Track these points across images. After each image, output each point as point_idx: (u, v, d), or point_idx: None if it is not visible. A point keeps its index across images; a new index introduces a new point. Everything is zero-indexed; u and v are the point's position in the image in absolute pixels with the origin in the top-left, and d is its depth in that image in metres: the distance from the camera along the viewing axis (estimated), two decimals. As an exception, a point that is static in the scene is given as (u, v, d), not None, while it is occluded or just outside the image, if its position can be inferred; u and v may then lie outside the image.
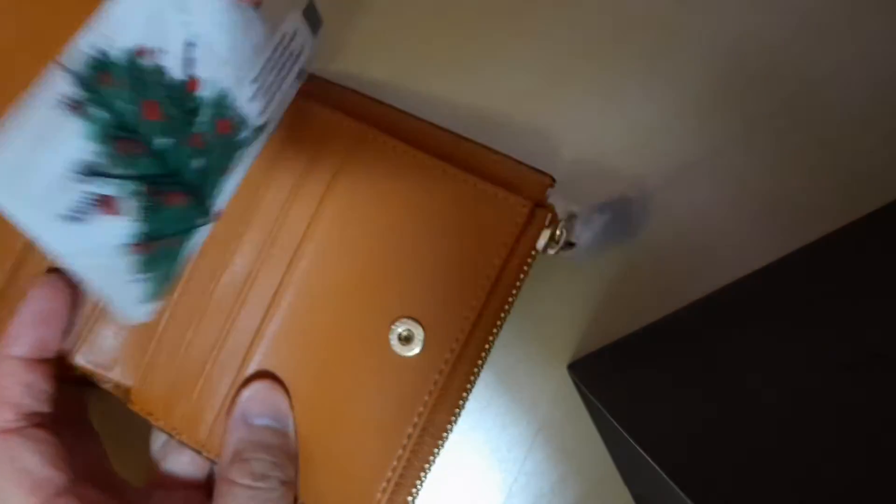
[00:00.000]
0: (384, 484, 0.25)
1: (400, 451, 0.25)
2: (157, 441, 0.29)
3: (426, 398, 0.26)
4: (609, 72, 0.32)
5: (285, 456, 0.25)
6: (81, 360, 0.27)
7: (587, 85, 0.32)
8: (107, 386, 0.27)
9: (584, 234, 0.30)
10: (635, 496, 0.31)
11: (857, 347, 0.22)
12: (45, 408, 0.25)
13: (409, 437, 0.25)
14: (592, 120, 0.31)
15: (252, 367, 0.26)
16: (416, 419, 0.25)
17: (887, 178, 0.31)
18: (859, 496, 0.17)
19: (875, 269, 0.26)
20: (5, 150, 0.18)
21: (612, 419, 0.26)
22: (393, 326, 0.26)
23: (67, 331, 0.26)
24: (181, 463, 0.28)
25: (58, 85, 0.18)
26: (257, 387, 0.26)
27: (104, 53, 0.19)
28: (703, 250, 0.31)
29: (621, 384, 0.29)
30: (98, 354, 0.27)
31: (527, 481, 0.32)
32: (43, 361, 0.25)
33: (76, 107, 0.19)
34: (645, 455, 0.23)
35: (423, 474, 0.26)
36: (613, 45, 0.32)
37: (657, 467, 0.21)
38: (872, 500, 0.17)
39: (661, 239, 0.31)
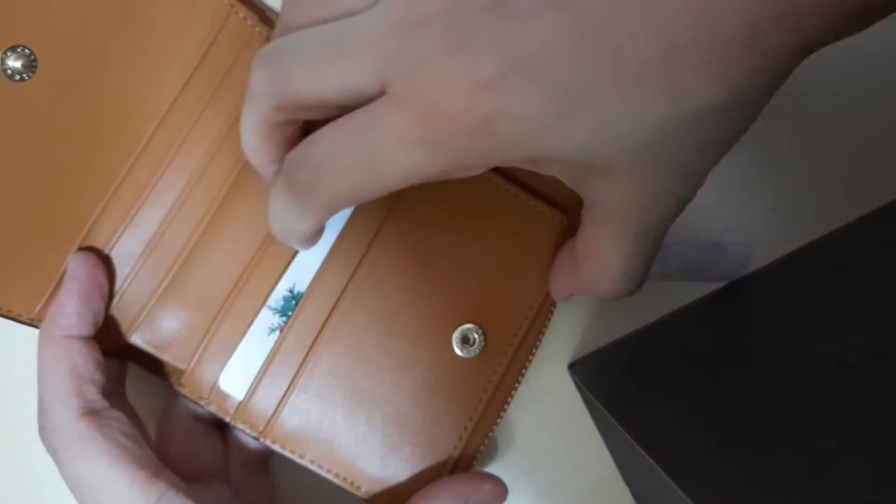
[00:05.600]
0: (443, 472, 0.28)
1: (456, 443, 0.28)
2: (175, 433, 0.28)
3: (482, 396, 0.28)
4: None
5: None
6: (138, 339, 0.27)
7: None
8: (151, 366, 0.28)
9: None
10: (635, 496, 0.31)
11: (857, 347, 0.22)
12: (107, 384, 0.25)
13: (466, 429, 0.28)
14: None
15: (314, 363, 0.27)
16: (472, 414, 0.28)
17: (887, 178, 0.31)
18: (860, 496, 0.17)
19: (875, 268, 0.26)
20: (236, 365, 0.27)
21: (612, 419, 0.26)
22: (458, 329, 0.28)
23: (108, 304, 0.27)
24: (202, 459, 0.28)
25: (268, 319, 0.27)
26: (496, 489, 0.27)
27: (297, 290, 0.27)
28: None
29: (621, 384, 0.29)
30: (155, 335, 0.27)
31: (527, 481, 0.32)
32: (92, 338, 0.25)
33: (284, 328, 0.27)
34: (645, 455, 0.23)
35: (471, 466, 0.28)
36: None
37: (657, 467, 0.22)
38: (873, 500, 0.17)
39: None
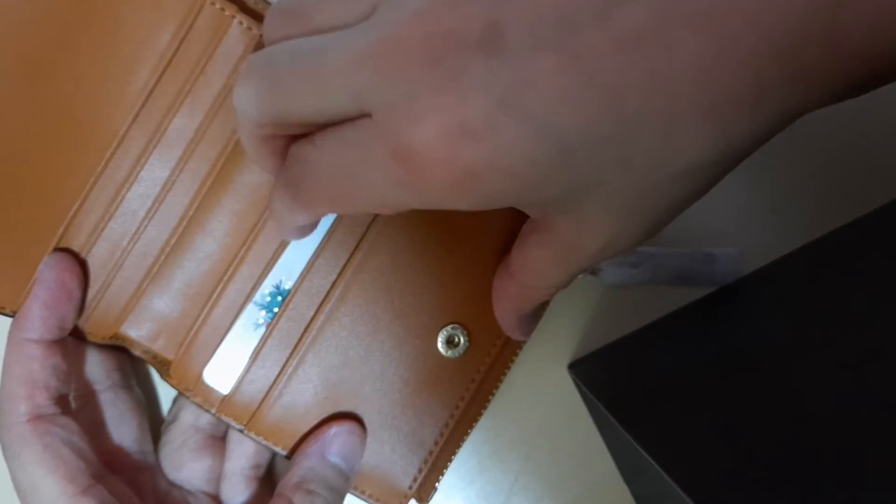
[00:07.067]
0: (421, 465, 0.28)
1: (437, 439, 0.28)
2: (171, 444, 0.28)
3: (464, 394, 0.29)
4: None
5: (340, 499, 0.27)
6: (128, 329, 0.27)
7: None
8: (143, 355, 0.28)
9: (612, 274, 0.30)
10: (635, 496, 0.31)
11: (857, 347, 0.22)
12: (67, 389, 0.25)
13: (447, 425, 0.28)
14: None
15: (299, 358, 0.28)
16: (454, 411, 0.29)
17: (887, 178, 0.31)
18: (859, 496, 0.17)
19: (875, 269, 0.26)
20: (220, 360, 0.27)
21: (612, 419, 0.26)
22: (442, 330, 0.28)
23: (80, 307, 0.27)
24: (197, 472, 0.28)
25: (254, 315, 0.27)
26: (344, 428, 0.27)
27: (283, 287, 0.28)
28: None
29: (621, 384, 0.29)
30: (144, 325, 0.28)
31: (527, 481, 0.32)
32: (60, 341, 0.25)
33: (270, 324, 0.27)
34: (645, 455, 0.23)
35: (451, 459, 0.29)
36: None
37: (657, 467, 0.22)
38: (872, 500, 0.17)
39: (661, 238, 0.31)
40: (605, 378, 0.30)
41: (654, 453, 0.22)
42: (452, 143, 0.15)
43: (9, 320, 0.26)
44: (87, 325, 0.27)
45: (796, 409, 0.21)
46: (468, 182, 0.16)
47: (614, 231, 0.18)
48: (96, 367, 0.28)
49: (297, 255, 0.28)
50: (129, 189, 0.27)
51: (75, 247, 0.27)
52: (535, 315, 0.26)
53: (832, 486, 0.18)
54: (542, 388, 0.31)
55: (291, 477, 0.26)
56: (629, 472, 0.31)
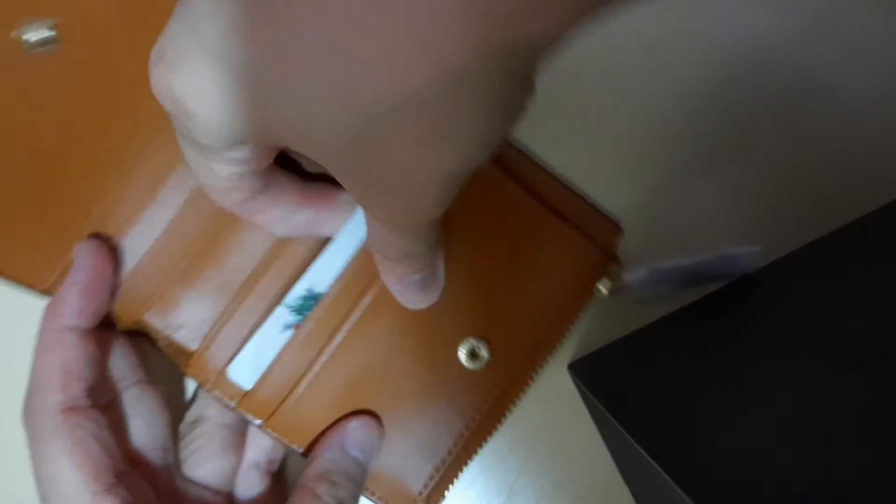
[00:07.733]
0: (433, 472, 0.29)
1: (451, 447, 0.29)
2: (194, 442, 0.28)
3: (482, 406, 0.29)
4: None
5: (359, 491, 0.27)
6: (152, 318, 0.28)
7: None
8: (161, 342, 0.28)
9: (647, 289, 0.30)
10: (635, 496, 0.31)
11: (857, 347, 0.22)
12: (99, 380, 0.25)
13: (462, 436, 0.29)
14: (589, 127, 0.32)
15: (324, 362, 0.28)
16: (470, 422, 0.29)
17: (886, 179, 0.31)
18: (859, 496, 0.17)
19: (875, 268, 0.26)
20: (246, 357, 0.27)
21: (612, 419, 0.26)
22: (464, 341, 0.29)
23: (114, 295, 0.27)
24: (217, 470, 0.28)
25: (284, 317, 0.27)
26: (364, 423, 0.27)
27: (315, 291, 0.28)
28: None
29: (621, 384, 0.29)
30: (168, 315, 0.28)
31: (527, 481, 0.32)
32: (93, 331, 0.25)
33: (299, 326, 0.27)
34: (645, 455, 0.23)
35: (463, 469, 0.29)
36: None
37: (657, 467, 0.22)
38: (872, 500, 0.17)
39: (661, 238, 0.31)
40: (605, 378, 0.30)
41: (654, 453, 0.22)
42: (153, 68, 0.17)
43: (33, 306, 0.26)
44: (113, 311, 0.27)
45: (796, 408, 0.21)
46: (178, 106, 0.17)
47: (355, 187, 0.17)
48: (122, 362, 0.27)
49: (330, 262, 0.28)
50: (168, 178, 0.27)
51: (109, 231, 0.27)
52: (417, 287, 0.26)
53: (832, 486, 0.18)
54: (542, 388, 0.31)
55: (314, 469, 0.26)
56: (629, 472, 0.31)
